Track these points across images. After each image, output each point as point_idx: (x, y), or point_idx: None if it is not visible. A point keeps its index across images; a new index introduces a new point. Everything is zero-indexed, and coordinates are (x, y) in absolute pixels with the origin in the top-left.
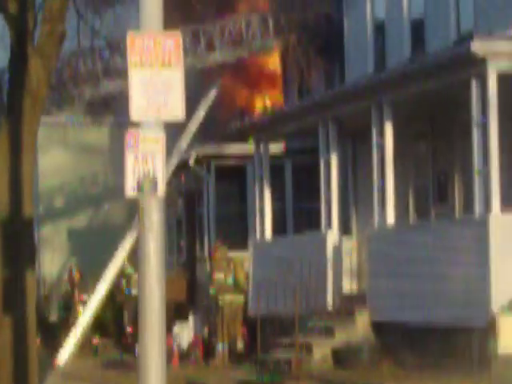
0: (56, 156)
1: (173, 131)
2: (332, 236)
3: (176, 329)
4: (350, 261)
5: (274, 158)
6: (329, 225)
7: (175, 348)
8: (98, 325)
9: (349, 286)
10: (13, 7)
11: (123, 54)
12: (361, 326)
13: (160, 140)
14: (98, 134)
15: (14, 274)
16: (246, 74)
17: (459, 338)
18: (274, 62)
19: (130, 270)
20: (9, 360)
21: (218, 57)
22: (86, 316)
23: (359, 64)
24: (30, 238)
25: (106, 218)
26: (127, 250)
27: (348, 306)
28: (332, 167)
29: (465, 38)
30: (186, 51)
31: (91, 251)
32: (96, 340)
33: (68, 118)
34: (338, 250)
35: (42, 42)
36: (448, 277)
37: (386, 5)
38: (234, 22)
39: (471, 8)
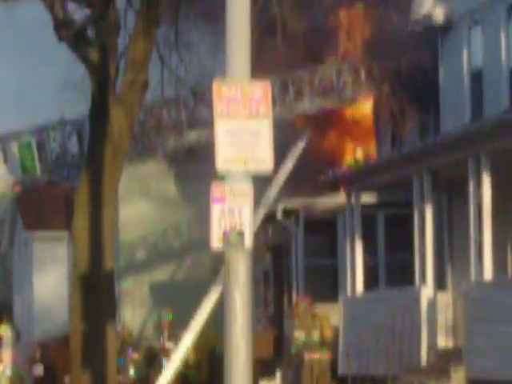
0: (138, 207)
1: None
2: (426, 291)
3: None
4: (445, 316)
5: (365, 209)
6: (423, 279)
7: None
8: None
9: (444, 342)
10: (94, 56)
11: (209, 104)
12: (456, 383)
13: (247, 193)
14: (181, 185)
15: (94, 329)
16: (337, 124)
17: None
18: (366, 112)
19: None
20: None
21: (307, 106)
22: (170, 369)
23: (455, 113)
24: (110, 292)
25: (190, 271)
26: (213, 303)
27: (443, 363)
28: (426, 219)
29: None
30: (274, 100)
31: (174, 306)
32: None
33: (150, 169)
34: (432, 306)
35: (124, 91)
36: None
37: (483, 52)
38: (324, 70)
39: None
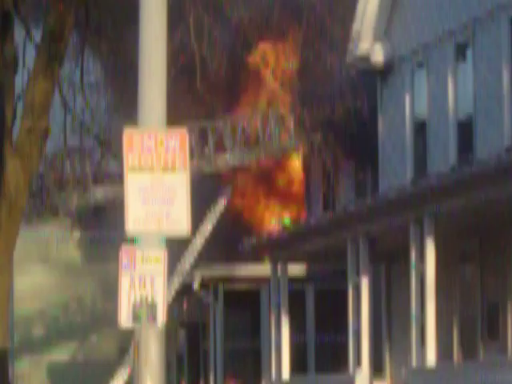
0: (35, 275)
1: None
2: (361, 377)
3: None
4: None
5: (293, 281)
6: (358, 363)
7: None
8: None
9: None
10: None
11: (118, 156)
12: None
13: (161, 259)
14: (85, 251)
15: None
16: (262, 180)
17: None
18: (294, 167)
19: None
20: None
21: (229, 159)
22: None
23: (396, 170)
24: (3, 375)
25: (94, 350)
26: None
27: None
28: (362, 294)
29: None
30: (192, 153)
31: None
32: None
33: (51, 231)
34: None
35: (22, 139)
36: None
37: (428, 99)
38: (249, 118)
39: None
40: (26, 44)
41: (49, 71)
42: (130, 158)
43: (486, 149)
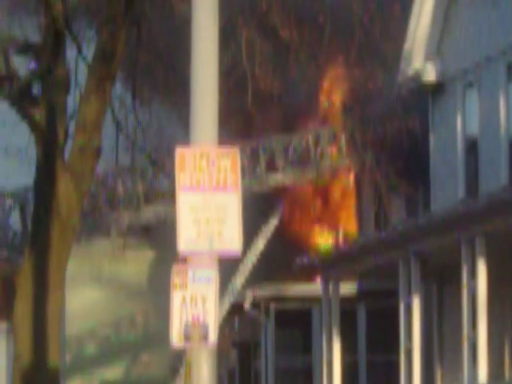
0: (87, 293)
1: (227, 266)
2: None
3: None
4: None
5: (345, 300)
6: (409, 382)
7: None
8: None
9: None
10: (40, 117)
11: (170, 174)
12: None
13: (212, 278)
14: (138, 269)
15: None
16: (314, 199)
17: None
18: (346, 186)
19: None
20: None
21: (280, 179)
22: None
23: (447, 189)
24: None
25: (146, 369)
26: None
27: None
28: (414, 312)
29: None
30: (243, 171)
31: None
32: None
33: (103, 249)
34: None
35: (74, 158)
36: None
37: (479, 118)
38: (300, 138)
39: None
40: (78, 63)
41: (101, 90)
42: (181, 178)
43: None
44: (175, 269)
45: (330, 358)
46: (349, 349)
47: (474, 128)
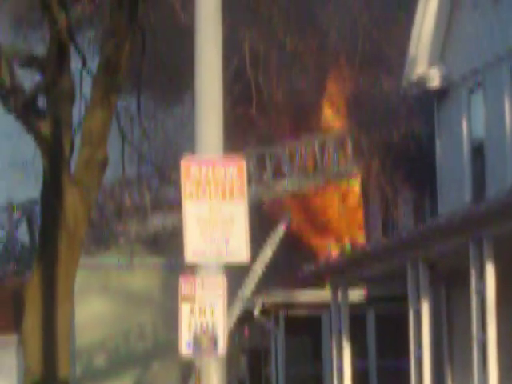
0: (96, 305)
1: (234, 275)
2: None
3: None
4: None
5: (354, 306)
6: None
7: None
8: None
9: None
10: (46, 129)
11: (176, 184)
12: None
13: (220, 287)
14: (145, 279)
15: None
16: (321, 206)
17: None
18: (353, 192)
19: None
20: None
21: (287, 186)
22: None
23: (454, 193)
24: None
25: (156, 379)
26: None
27: None
28: (423, 317)
29: None
30: (249, 179)
31: None
32: None
33: (111, 260)
34: None
35: (80, 170)
36: None
37: (485, 124)
38: (306, 144)
39: None
40: (83, 75)
41: (106, 101)
42: (187, 187)
43: None
44: (183, 279)
45: (340, 364)
46: (359, 355)
47: (480, 132)
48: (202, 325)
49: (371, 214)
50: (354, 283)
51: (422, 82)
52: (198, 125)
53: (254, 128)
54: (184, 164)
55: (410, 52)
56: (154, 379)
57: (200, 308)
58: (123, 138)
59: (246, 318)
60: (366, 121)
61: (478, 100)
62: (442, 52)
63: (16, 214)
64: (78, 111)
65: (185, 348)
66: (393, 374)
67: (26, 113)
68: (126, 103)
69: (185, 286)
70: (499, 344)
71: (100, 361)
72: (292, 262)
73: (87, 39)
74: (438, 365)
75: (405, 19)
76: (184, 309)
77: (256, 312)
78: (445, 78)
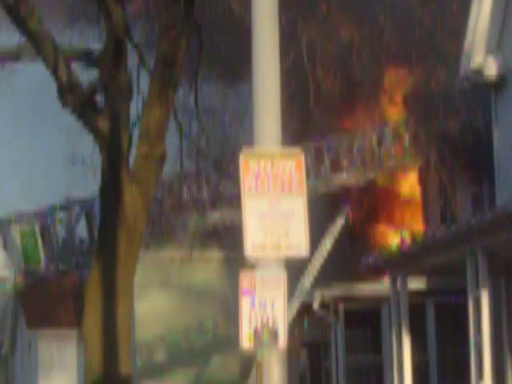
0: (156, 299)
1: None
2: None
3: None
4: None
5: (413, 297)
6: (480, 377)
7: None
8: None
9: None
10: (104, 125)
11: (234, 179)
12: None
13: (281, 282)
14: (205, 273)
15: None
16: (379, 198)
17: None
18: (411, 183)
19: None
20: None
21: (345, 178)
22: None
23: None
24: None
25: (216, 374)
26: None
27: None
28: (483, 308)
29: None
30: (308, 172)
31: None
32: None
33: (170, 254)
34: None
35: (139, 165)
36: None
37: None
38: (364, 136)
39: None
40: (140, 70)
41: (163, 97)
42: (246, 182)
43: None
44: (243, 274)
45: (400, 356)
46: (419, 346)
47: None
48: (262, 318)
49: (429, 203)
50: (413, 275)
51: (478, 71)
52: (257, 118)
53: (311, 121)
54: (243, 158)
55: (467, 42)
56: (214, 374)
57: (260, 302)
58: (181, 132)
59: (305, 311)
60: (424, 112)
61: None
62: (499, 41)
63: (75, 210)
64: (135, 107)
65: (245, 342)
66: (453, 363)
67: (84, 109)
68: (183, 98)
69: (245, 280)
70: None
71: (161, 355)
72: (351, 255)
73: (144, 35)
74: (498, 355)
75: (462, 9)
76: (244, 303)
77: (315, 305)
78: (502, 68)
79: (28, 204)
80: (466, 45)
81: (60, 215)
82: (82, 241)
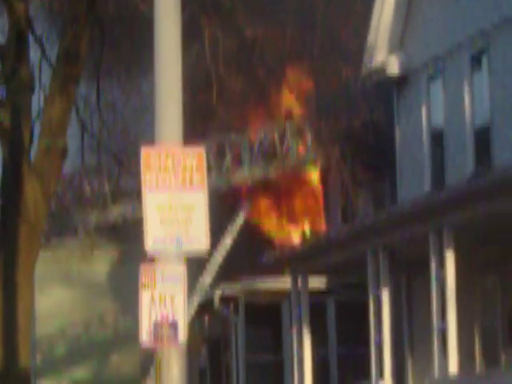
0: (55, 295)
1: (194, 263)
2: None
3: None
4: None
5: (314, 294)
6: (380, 374)
7: None
8: None
9: None
10: (5, 118)
11: (136, 174)
12: None
13: (180, 277)
14: (106, 268)
15: None
16: (281, 194)
17: None
18: (313, 180)
19: None
20: None
21: (246, 174)
22: None
23: (414, 181)
24: None
25: (116, 369)
26: None
27: None
28: (383, 304)
29: None
30: (209, 168)
31: None
32: None
33: (71, 249)
34: None
35: (40, 159)
36: None
37: (444, 111)
38: (266, 132)
39: None
40: (42, 64)
41: (65, 91)
42: (147, 178)
43: (504, 157)
44: (143, 268)
45: (300, 352)
46: (319, 342)
47: (439, 120)
48: (162, 315)
49: (331, 201)
50: (314, 271)
51: (381, 69)
52: (158, 114)
53: (213, 117)
54: (144, 153)
55: (370, 39)
56: (114, 368)
57: (160, 298)
58: (82, 127)
59: (206, 306)
60: (326, 108)
61: (438, 88)
62: (401, 39)
63: None
64: (37, 101)
65: (145, 338)
66: (353, 360)
67: None
68: (85, 92)
69: (145, 275)
70: (459, 332)
71: (61, 349)
72: (252, 251)
73: (46, 28)
74: (398, 352)
75: (364, 7)
76: (144, 297)
77: (216, 301)
78: (404, 66)
79: None
80: (369, 42)
81: None
82: None
